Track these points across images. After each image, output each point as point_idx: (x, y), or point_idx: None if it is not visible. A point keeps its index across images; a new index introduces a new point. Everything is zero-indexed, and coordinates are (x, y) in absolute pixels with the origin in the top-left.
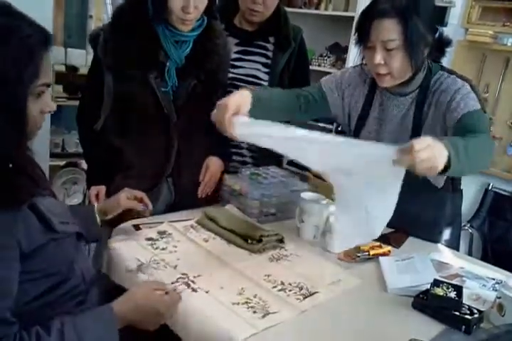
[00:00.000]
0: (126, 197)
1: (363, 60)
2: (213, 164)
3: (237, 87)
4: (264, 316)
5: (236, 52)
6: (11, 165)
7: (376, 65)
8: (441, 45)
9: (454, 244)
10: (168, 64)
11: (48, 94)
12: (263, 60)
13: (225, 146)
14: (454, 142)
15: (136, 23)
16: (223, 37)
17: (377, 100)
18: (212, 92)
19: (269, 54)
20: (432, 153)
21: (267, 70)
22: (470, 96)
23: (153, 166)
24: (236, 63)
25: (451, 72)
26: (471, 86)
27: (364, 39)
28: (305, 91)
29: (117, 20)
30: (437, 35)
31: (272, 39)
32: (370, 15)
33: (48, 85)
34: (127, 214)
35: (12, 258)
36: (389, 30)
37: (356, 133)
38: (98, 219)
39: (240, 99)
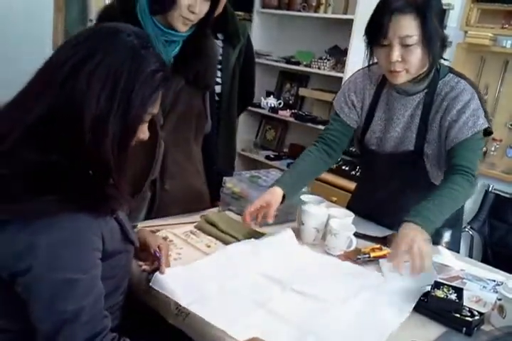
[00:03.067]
0: (158, 245)
1: (370, 60)
2: None
3: None
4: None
5: None
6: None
7: (393, 63)
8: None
9: (454, 246)
10: None
11: (147, 123)
12: None
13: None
14: (431, 218)
15: (124, 22)
16: (211, 39)
17: (383, 100)
18: (199, 95)
19: (220, 50)
20: (416, 248)
21: (219, 67)
22: (478, 114)
23: (138, 169)
24: None
25: (459, 75)
26: (478, 95)
27: (379, 37)
28: (328, 134)
29: (104, 20)
30: None
31: (220, 36)
32: (386, 12)
33: (153, 115)
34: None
35: (98, 258)
36: (407, 26)
37: (362, 135)
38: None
39: (270, 197)
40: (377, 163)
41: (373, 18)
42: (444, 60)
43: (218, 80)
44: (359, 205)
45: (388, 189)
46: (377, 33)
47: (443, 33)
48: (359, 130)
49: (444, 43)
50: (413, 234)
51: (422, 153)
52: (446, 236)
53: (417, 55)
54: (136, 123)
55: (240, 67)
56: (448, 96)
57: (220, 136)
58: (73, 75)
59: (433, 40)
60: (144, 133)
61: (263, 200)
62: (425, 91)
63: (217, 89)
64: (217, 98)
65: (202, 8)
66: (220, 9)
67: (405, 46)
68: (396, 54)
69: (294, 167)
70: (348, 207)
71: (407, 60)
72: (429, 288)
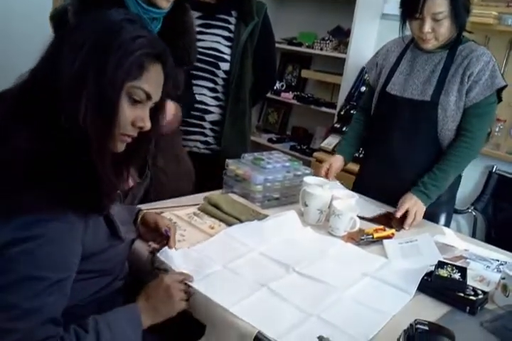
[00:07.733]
0: (166, 224)
1: (402, 28)
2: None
3: (199, 61)
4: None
5: (198, 26)
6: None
7: (424, 33)
8: None
9: (447, 222)
10: None
11: (147, 110)
12: (225, 33)
13: None
14: (433, 186)
15: (108, 2)
16: (191, 16)
17: (407, 56)
18: (183, 71)
19: (232, 27)
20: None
21: (228, 44)
22: (496, 74)
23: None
24: (197, 36)
25: (479, 44)
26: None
27: (413, 12)
28: (363, 102)
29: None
30: None
31: (234, 13)
32: None
33: (149, 97)
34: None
35: (74, 263)
36: (439, 4)
37: (383, 87)
38: (138, 222)
39: (334, 161)
40: (392, 111)
41: None
42: (468, 31)
43: (227, 58)
44: (366, 173)
45: (395, 142)
46: (412, 8)
47: (468, 4)
48: (381, 81)
49: (468, 12)
50: (415, 201)
51: (437, 104)
52: (441, 214)
53: (445, 27)
54: (113, 89)
55: (254, 47)
56: (469, 56)
57: (227, 116)
58: (57, 43)
59: (460, 14)
60: (142, 121)
61: (328, 163)
62: (447, 52)
63: (226, 66)
64: (225, 76)
65: None
66: None
67: (436, 20)
68: (428, 26)
69: (347, 134)
70: (355, 185)
71: (437, 31)
72: (432, 268)
